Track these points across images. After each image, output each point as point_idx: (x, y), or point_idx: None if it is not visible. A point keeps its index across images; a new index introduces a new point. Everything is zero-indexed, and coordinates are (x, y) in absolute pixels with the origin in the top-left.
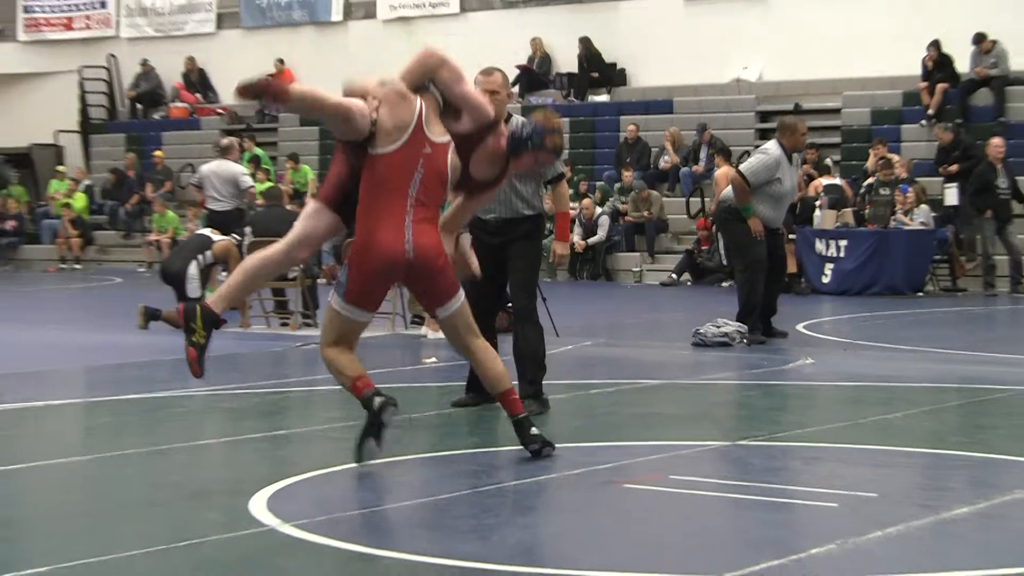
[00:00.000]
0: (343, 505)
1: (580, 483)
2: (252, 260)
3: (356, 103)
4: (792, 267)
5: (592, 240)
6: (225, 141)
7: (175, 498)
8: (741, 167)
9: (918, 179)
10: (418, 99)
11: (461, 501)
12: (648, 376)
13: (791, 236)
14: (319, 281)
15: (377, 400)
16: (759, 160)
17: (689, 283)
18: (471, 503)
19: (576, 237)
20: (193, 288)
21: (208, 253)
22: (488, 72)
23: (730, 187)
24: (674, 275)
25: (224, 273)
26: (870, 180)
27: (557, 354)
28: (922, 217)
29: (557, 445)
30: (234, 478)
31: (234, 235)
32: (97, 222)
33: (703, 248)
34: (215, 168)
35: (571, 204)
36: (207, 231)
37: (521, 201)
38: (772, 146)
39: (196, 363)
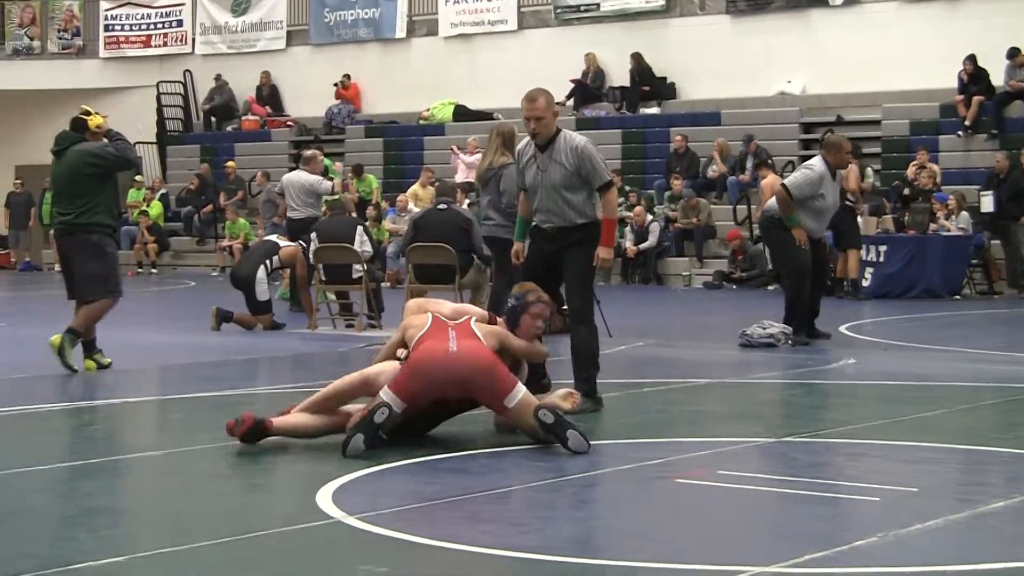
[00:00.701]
0: (406, 498)
1: (632, 478)
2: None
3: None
4: (845, 271)
5: (643, 246)
6: (308, 152)
7: (244, 491)
8: (786, 181)
9: (952, 186)
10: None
11: (518, 495)
12: (697, 375)
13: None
14: (383, 285)
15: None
16: (804, 176)
17: (735, 287)
18: (527, 497)
19: (628, 243)
20: (262, 291)
21: (275, 258)
22: (531, 99)
23: (774, 198)
24: (715, 281)
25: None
26: (906, 191)
27: (611, 354)
28: (962, 223)
29: (610, 441)
30: (300, 473)
31: (300, 242)
32: (172, 229)
33: (738, 258)
34: (294, 178)
35: (623, 212)
36: (274, 237)
37: (573, 211)
38: (817, 162)
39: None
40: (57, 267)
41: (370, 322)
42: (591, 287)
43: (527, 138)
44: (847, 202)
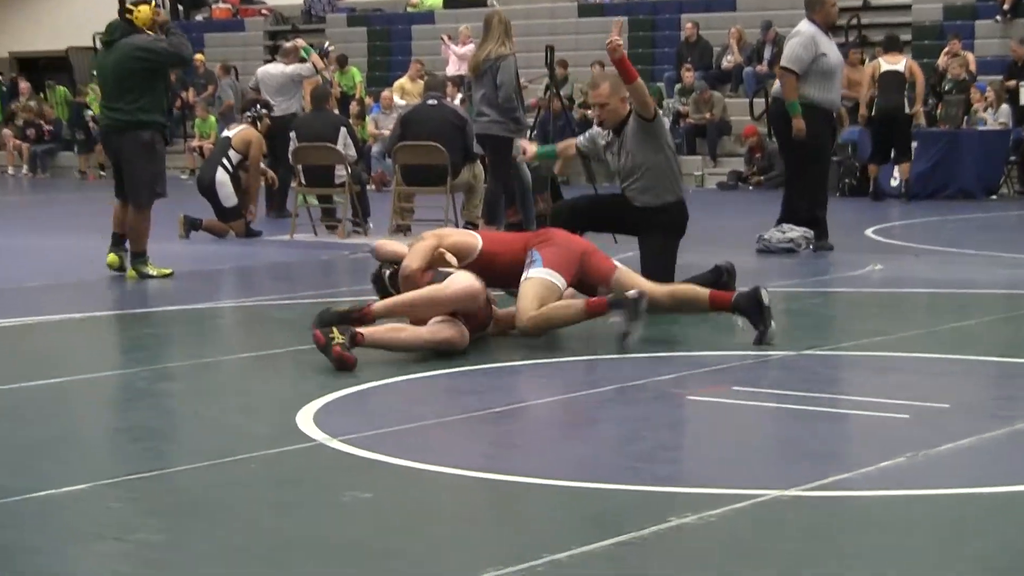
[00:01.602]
0: (393, 419)
1: (642, 395)
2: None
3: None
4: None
5: None
6: (288, 44)
7: (222, 412)
8: (782, 61)
9: (988, 77)
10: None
11: (517, 415)
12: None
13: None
14: (368, 188)
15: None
16: (795, 43)
17: (751, 188)
18: (528, 417)
19: None
20: (226, 195)
21: (231, 152)
22: (594, 85)
23: (778, 83)
24: (730, 182)
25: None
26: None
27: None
28: (1003, 117)
29: (617, 356)
30: (281, 392)
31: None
32: None
33: (756, 155)
34: (271, 70)
35: None
36: (229, 131)
37: (659, 186)
38: (803, 25)
39: (346, 357)
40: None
41: (355, 228)
42: (671, 269)
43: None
44: (905, 112)
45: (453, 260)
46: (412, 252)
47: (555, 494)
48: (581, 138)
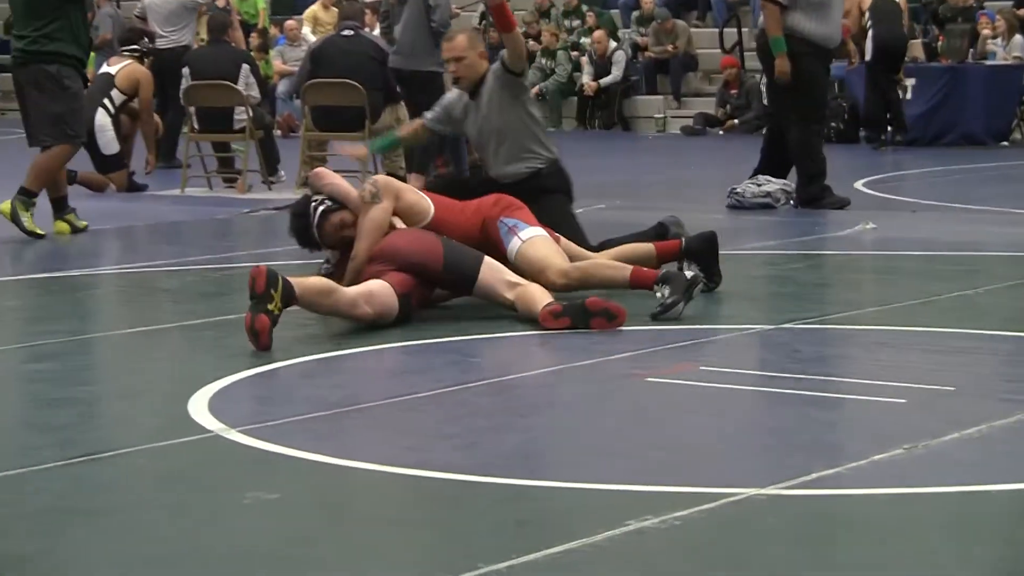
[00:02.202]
0: (302, 405)
1: (591, 376)
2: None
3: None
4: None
5: (605, 81)
6: None
7: (100, 398)
8: None
9: (1000, 3)
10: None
11: (444, 400)
12: None
13: None
14: (276, 133)
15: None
16: None
17: (721, 132)
18: (456, 402)
19: (586, 78)
20: (106, 142)
21: (114, 92)
22: (449, 37)
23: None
24: (697, 126)
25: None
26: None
27: None
28: (1016, 50)
29: (563, 332)
30: (170, 374)
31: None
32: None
33: (732, 92)
34: None
35: (583, 39)
36: (110, 67)
37: (531, 151)
38: None
39: (266, 334)
40: None
41: (270, 179)
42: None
43: (456, 91)
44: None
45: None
46: (366, 231)
47: (491, 493)
48: (430, 114)
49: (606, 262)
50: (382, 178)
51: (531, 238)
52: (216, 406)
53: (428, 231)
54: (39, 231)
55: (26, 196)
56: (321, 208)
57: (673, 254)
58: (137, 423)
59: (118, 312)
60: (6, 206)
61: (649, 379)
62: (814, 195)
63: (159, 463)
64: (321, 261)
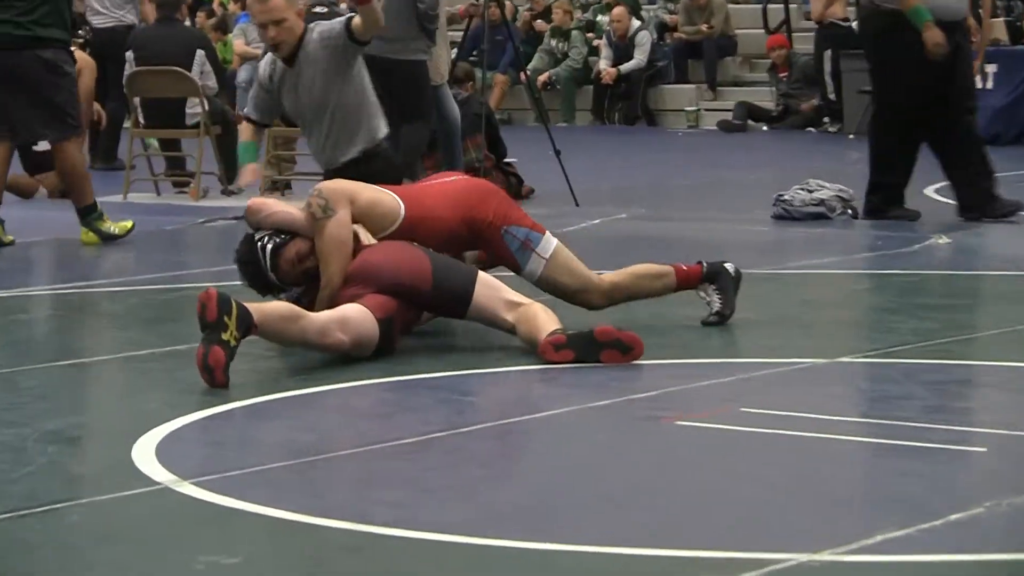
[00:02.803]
0: (263, 453)
1: (608, 420)
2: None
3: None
4: None
5: (626, 67)
6: None
7: (30, 443)
8: None
9: None
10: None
11: (433, 447)
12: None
13: None
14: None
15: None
16: None
17: (765, 128)
18: (447, 449)
19: (603, 63)
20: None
21: None
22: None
23: None
24: (737, 120)
25: None
26: None
27: (577, 232)
28: None
29: (579, 366)
30: (111, 415)
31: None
32: None
33: (781, 77)
34: None
35: (600, 17)
36: None
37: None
38: None
39: (222, 369)
40: None
41: (229, 187)
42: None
43: (268, 55)
44: None
45: (369, 238)
46: (329, 254)
47: (488, 558)
48: (249, 104)
49: (647, 268)
50: (327, 184)
51: (553, 253)
52: (165, 453)
53: (409, 244)
54: (127, 224)
55: (91, 212)
56: (269, 246)
57: (694, 282)
58: (72, 473)
59: (49, 341)
60: (90, 237)
61: (678, 423)
62: (877, 195)
63: (98, 520)
64: None
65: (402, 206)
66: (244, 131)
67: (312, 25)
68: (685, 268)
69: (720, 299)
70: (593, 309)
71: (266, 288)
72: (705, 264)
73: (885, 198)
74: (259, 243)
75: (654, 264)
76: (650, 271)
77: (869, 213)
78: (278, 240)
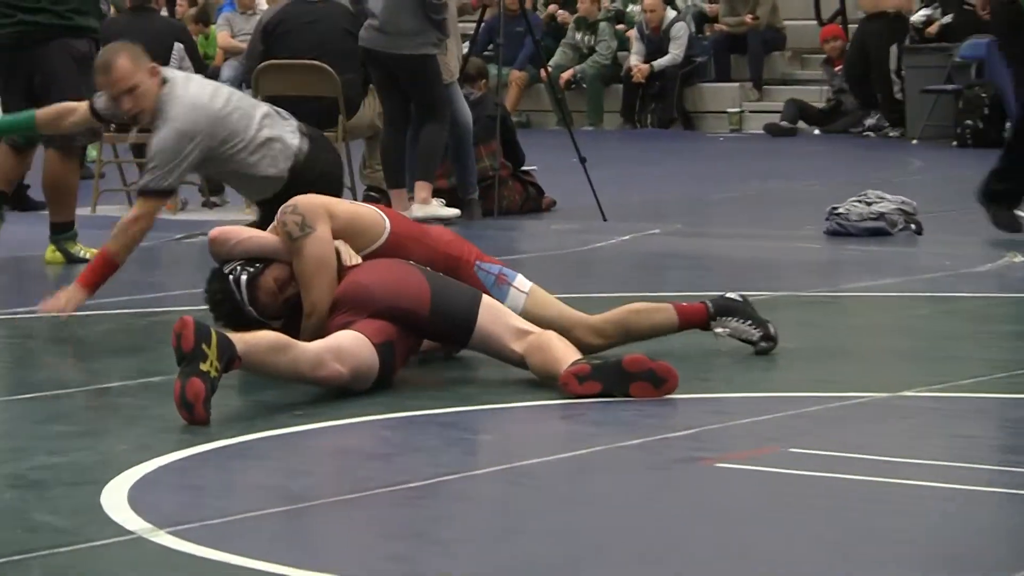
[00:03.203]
0: (249, 499)
1: (639, 462)
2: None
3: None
4: None
5: (661, 63)
6: None
7: None
8: None
9: None
10: None
11: (440, 492)
12: (755, 286)
13: None
14: None
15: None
16: None
17: (817, 131)
18: (456, 494)
19: (635, 58)
20: None
21: None
22: (105, 67)
23: None
24: (786, 122)
25: None
26: None
27: (605, 249)
28: None
29: (608, 400)
30: (79, 455)
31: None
32: None
33: (836, 71)
34: None
35: (631, 6)
36: None
37: None
38: None
39: (202, 404)
40: None
41: (211, 199)
42: None
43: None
44: None
45: (353, 256)
46: (311, 276)
47: None
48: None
49: (644, 305)
50: (301, 198)
51: (531, 288)
52: (138, 499)
53: (401, 261)
54: (92, 253)
55: (66, 230)
56: (244, 277)
57: (700, 317)
58: (35, 521)
59: (7, 373)
60: (55, 257)
61: (718, 465)
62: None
63: (64, 574)
64: None
65: (387, 220)
66: (58, 109)
67: (169, 84)
68: (685, 305)
69: (753, 325)
70: (585, 352)
71: (246, 327)
72: (708, 301)
73: (1008, 192)
74: (231, 276)
75: (647, 302)
76: (646, 307)
77: (983, 196)
78: (252, 270)
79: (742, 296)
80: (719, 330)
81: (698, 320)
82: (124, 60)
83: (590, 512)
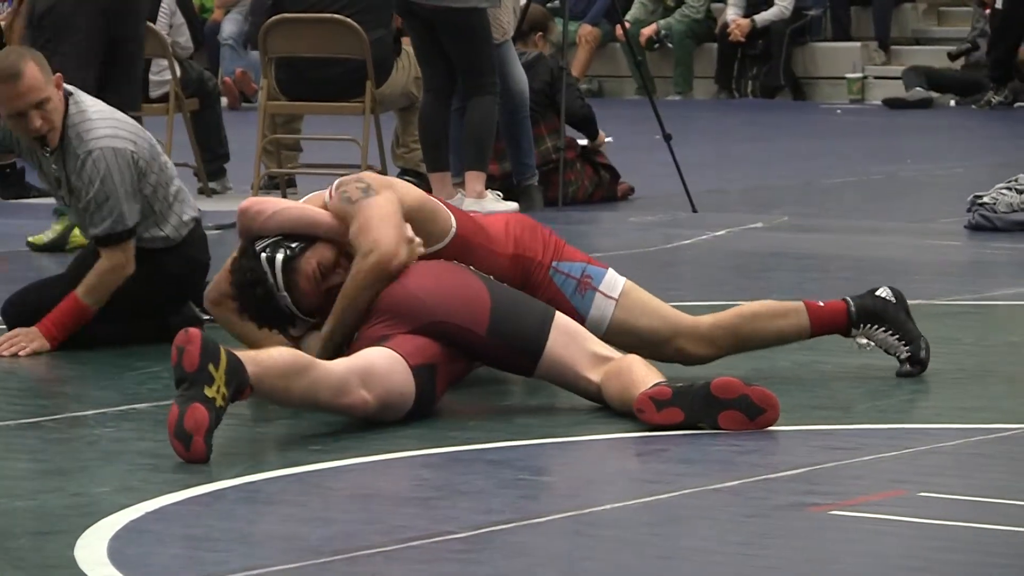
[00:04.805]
0: (258, 552)
1: (737, 508)
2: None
3: None
4: None
5: (764, 18)
6: None
7: None
8: None
9: None
10: None
11: (493, 543)
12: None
13: None
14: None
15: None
16: None
17: (953, 102)
18: (512, 548)
19: (733, 12)
20: None
21: None
22: (10, 72)
23: None
24: (920, 87)
25: None
26: None
27: (694, 247)
28: None
29: (696, 432)
30: (48, 498)
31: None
32: None
33: (986, 13)
34: None
35: None
36: None
37: None
38: None
39: (203, 436)
40: None
41: (209, 184)
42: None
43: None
44: None
45: (419, 247)
46: (379, 225)
47: None
48: None
49: (766, 305)
50: (367, 172)
51: (623, 291)
52: (120, 552)
53: (461, 266)
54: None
55: None
56: (279, 256)
57: (839, 321)
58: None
59: None
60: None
61: (832, 513)
62: None
63: None
64: None
65: (453, 219)
66: None
67: (74, 100)
68: (822, 304)
69: (902, 341)
70: (692, 363)
71: (277, 318)
72: (851, 301)
73: None
74: (263, 253)
75: (772, 301)
76: (768, 308)
77: None
78: (291, 248)
79: (896, 294)
80: (862, 341)
81: (836, 325)
82: (32, 68)
83: (674, 570)
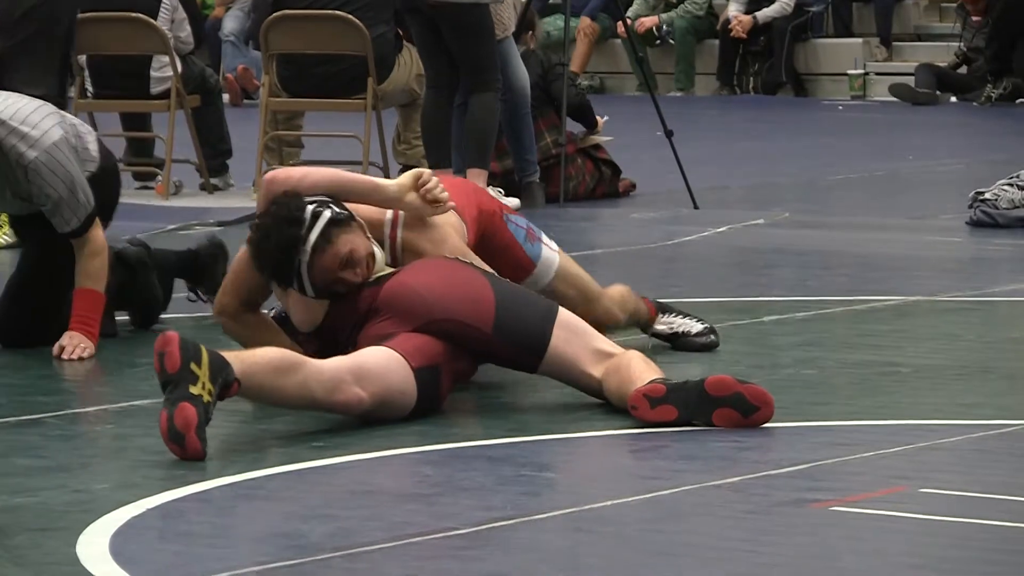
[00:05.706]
0: (256, 550)
1: (737, 505)
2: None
3: None
4: None
5: (766, 14)
6: None
7: None
8: None
9: None
10: None
11: (494, 540)
12: (883, 288)
13: None
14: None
15: None
16: None
17: (954, 99)
18: (515, 544)
19: (735, 7)
20: None
21: None
22: None
23: None
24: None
25: None
26: None
27: (695, 244)
28: None
29: (697, 429)
30: (49, 495)
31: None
32: None
33: (972, 23)
34: None
35: None
36: None
37: None
38: None
39: (194, 432)
40: None
41: (211, 181)
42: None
43: None
44: None
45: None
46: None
47: None
48: None
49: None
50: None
51: (559, 249)
52: (121, 549)
53: (463, 262)
54: None
55: None
56: (327, 213)
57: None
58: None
59: None
60: None
61: (833, 509)
62: None
63: None
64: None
65: (463, 228)
66: None
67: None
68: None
69: (683, 316)
70: (615, 328)
71: (281, 269)
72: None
73: None
74: (311, 205)
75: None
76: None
77: None
78: (340, 213)
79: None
80: (660, 327)
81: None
82: None
83: (675, 566)
